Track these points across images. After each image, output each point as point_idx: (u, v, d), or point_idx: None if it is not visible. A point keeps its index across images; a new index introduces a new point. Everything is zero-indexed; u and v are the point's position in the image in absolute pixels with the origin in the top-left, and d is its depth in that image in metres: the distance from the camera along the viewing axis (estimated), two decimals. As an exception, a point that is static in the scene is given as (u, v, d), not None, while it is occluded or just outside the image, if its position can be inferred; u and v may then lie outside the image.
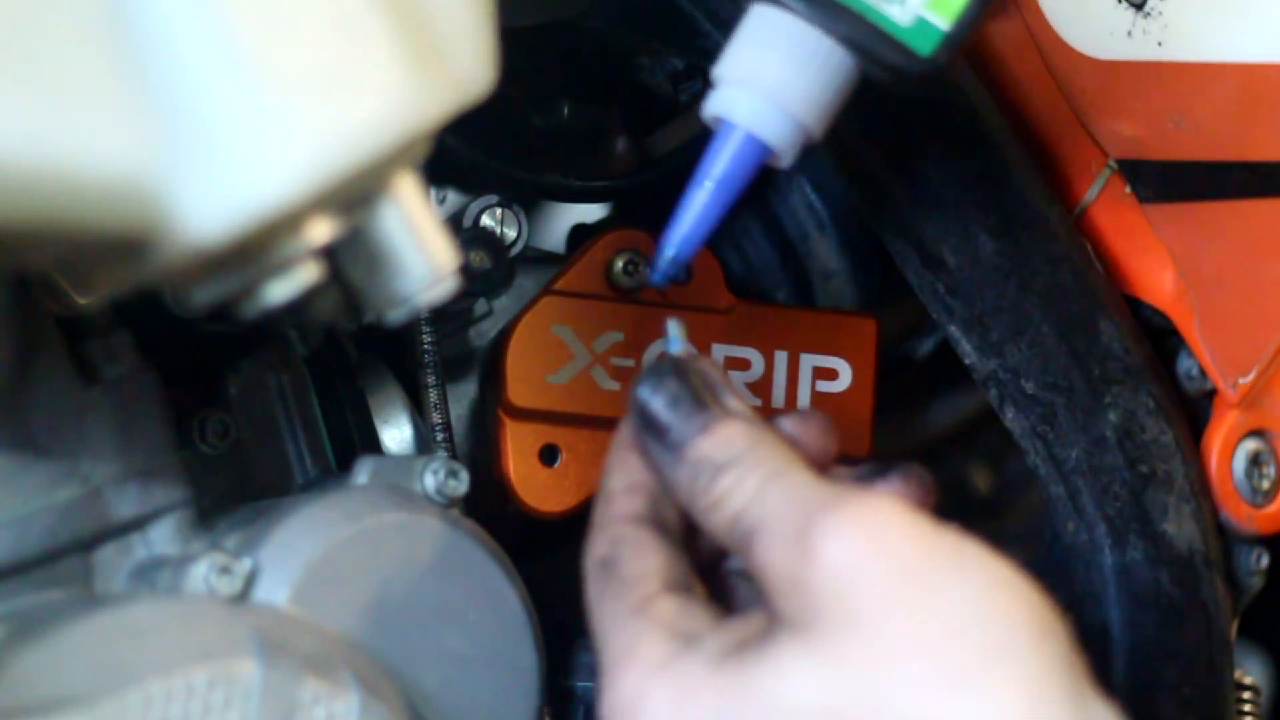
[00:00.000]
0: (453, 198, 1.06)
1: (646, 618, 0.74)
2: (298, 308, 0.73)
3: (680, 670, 0.72)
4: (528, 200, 1.04)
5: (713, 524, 0.75)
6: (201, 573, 0.82)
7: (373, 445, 0.98)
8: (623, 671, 0.73)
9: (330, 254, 0.73)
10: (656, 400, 0.77)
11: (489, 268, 1.00)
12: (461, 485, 0.89)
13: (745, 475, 0.74)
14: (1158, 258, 1.03)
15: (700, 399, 0.76)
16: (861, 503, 0.71)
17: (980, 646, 0.69)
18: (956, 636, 0.69)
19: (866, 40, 0.83)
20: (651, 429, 0.77)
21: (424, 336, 0.99)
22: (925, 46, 0.83)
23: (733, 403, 0.77)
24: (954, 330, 1.00)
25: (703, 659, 0.72)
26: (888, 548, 0.70)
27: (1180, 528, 1.02)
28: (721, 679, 0.71)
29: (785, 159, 0.85)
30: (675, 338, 0.80)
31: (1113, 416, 1.01)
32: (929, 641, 0.69)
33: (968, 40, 0.84)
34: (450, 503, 0.89)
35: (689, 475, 0.75)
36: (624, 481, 0.78)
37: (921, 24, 0.83)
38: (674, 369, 0.77)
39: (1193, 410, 1.06)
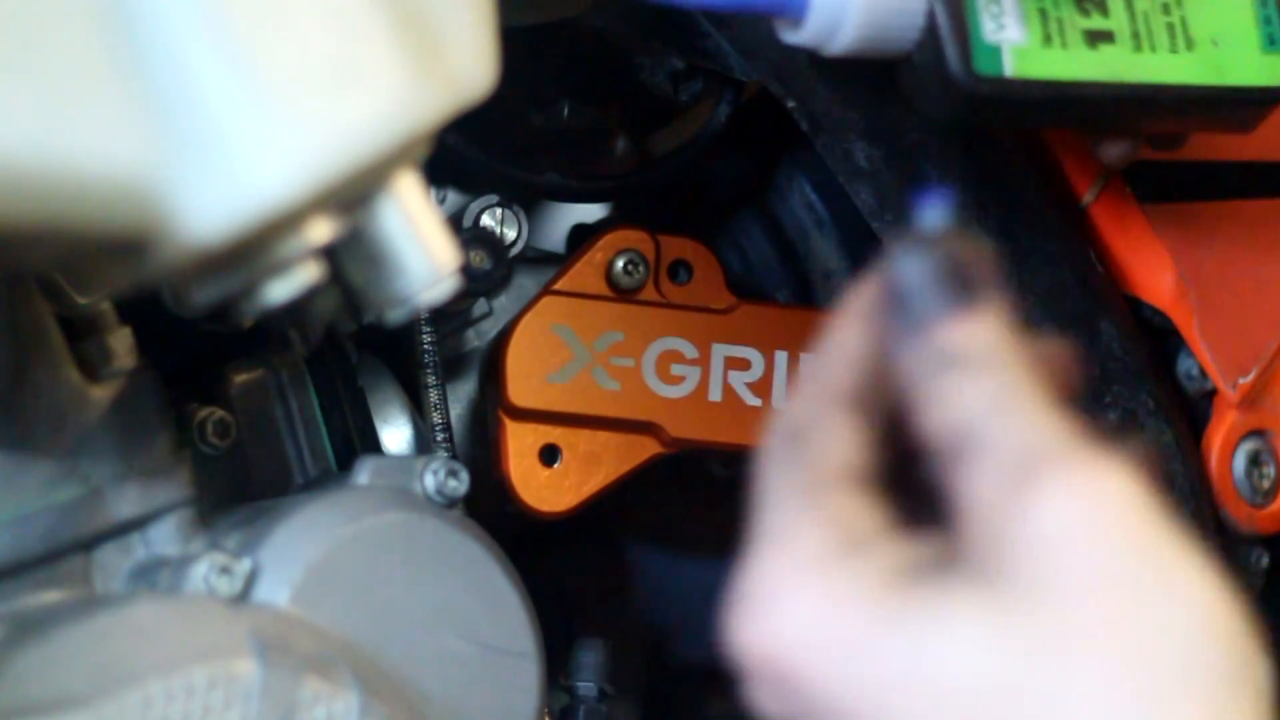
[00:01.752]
0: (453, 198, 1.06)
1: (818, 503, 0.65)
2: (298, 308, 0.73)
3: (836, 574, 0.63)
4: (528, 200, 1.04)
5: (929, 419, 0.65)
6: (201, 573, 0.82)
7: (373, 445, 0.98)
8: (772, 555, 0.64)
9: (330, 254, 0.73)
10: (913, 269, 0.67)
11: (489, 268, 1.00)
12: (461, 485, 0.89)
13: (983, 379, 0.64)
14: (1158, 258, 1.03)
15: (964, 282, 0.66)
16: (1096, 464, 0.63)
17: (1175, 664, 0.62)
18: (1153, 643, 0.62)
19: (947, 20, 0.83)
20: (899, 299, 0.67)
21: (424, 336, 0.99)
22: (980, 67, 0.83)
23: (994, 299, 0.66)
24: (954, 330, 1.00)
25: (866, 570, 0.63)
26: (1112, 525, 0.62)
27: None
28: (880, 600, 0.63)
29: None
30: (938, 210, 0.68)
31: (1113, 416, 1.01)
32: (1126, 640, 0.62)
33: (1007, 108, 0.85)
34: (450, 503, 0.89)
35: (923, 359, 0.66)
36: (843, 352, 0.68)
37: (993, 53, 0.83)
38: (942, 244, 0.67)
39: (1193, 410, 1.05)
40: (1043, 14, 0.86)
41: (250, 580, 0.83)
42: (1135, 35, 0.88)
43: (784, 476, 0.66)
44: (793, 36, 0.86)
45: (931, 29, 0.84)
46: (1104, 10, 0.88)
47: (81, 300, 0.82)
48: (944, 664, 0.61)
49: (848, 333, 0.69)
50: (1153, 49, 0.88)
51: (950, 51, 0.83)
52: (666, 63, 1.03)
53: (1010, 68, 0.84)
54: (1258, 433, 1.06)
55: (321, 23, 0.67)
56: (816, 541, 0.64)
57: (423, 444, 1.00)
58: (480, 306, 1.03)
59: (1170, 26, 0.89)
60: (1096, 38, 0.87)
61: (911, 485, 0.67)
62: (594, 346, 1.01)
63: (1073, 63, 0.86)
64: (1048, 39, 0.86)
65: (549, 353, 1.00)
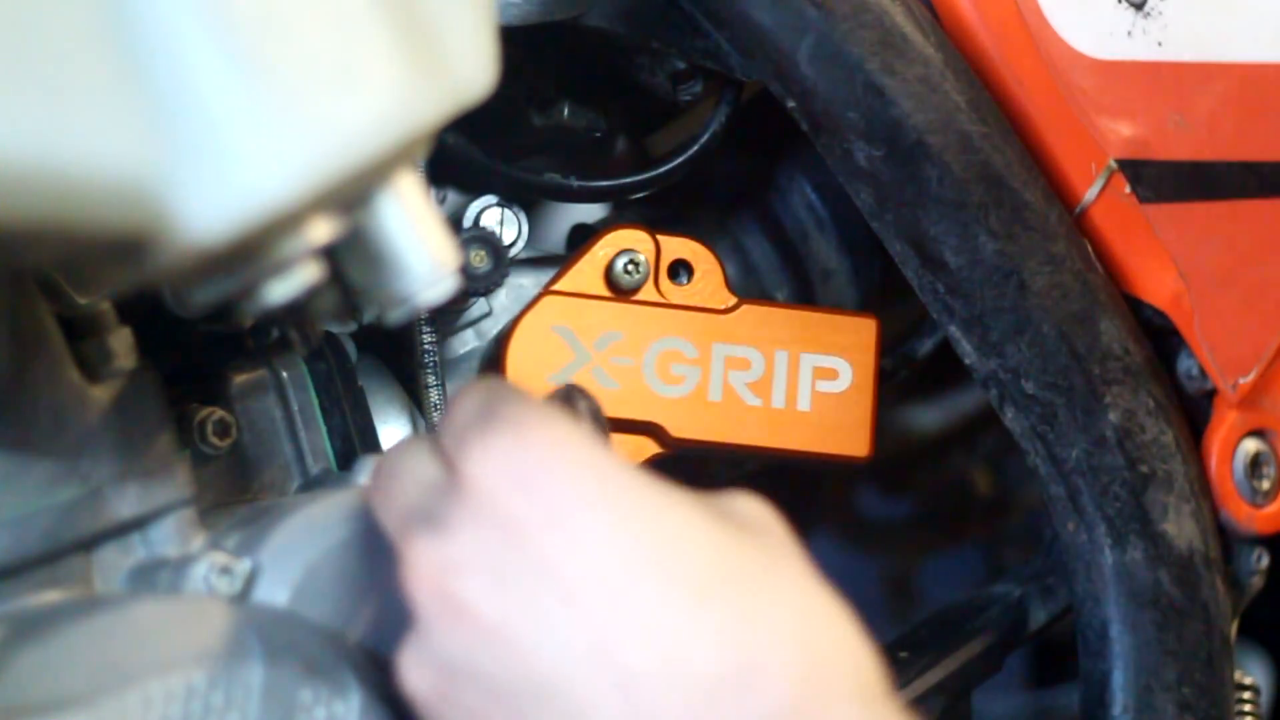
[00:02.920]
0: (453, 198, 1.06)
1: None
2: (298, 307, 0.73)
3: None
4: (528, 200, 1.04)
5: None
6: (201, 573, 0.81)
7: (373, 445, 0.98)
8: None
9: (330, 254, 0.73)
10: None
11: (489, 268, 1.00)
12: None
13: None
14: (1158, 258, 1.03)
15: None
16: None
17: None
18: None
19: None
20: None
21: (424, 336, 0.99)
22: None
23: None
24: (954, 330, 1.00)
25: None
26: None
27: (1180, 528, 1.02)
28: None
29: None
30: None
31: (1113, 416, 1.01)
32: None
33: None
34: (450, 503, 0.89)
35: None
36: None
37: None
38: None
39: (1193, 410, 1.05)
40: None
41: (250, 580, 0.83)
42: None
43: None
44: None
45: None
46: None
47: (81, 300, 0.82)
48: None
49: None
50: None
51: None
52: (666, 63, 1.03)
53: None
54: (1258, 433, 1.06)
55: (322, 24, 0.67)
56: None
57: (423, 444, 0.99)
58: (480, 306, 1.03)
59: None
60: None
61: None
62: (594, 346, 1.01)
63: None
64: None
65: (549, 353, 1.00)
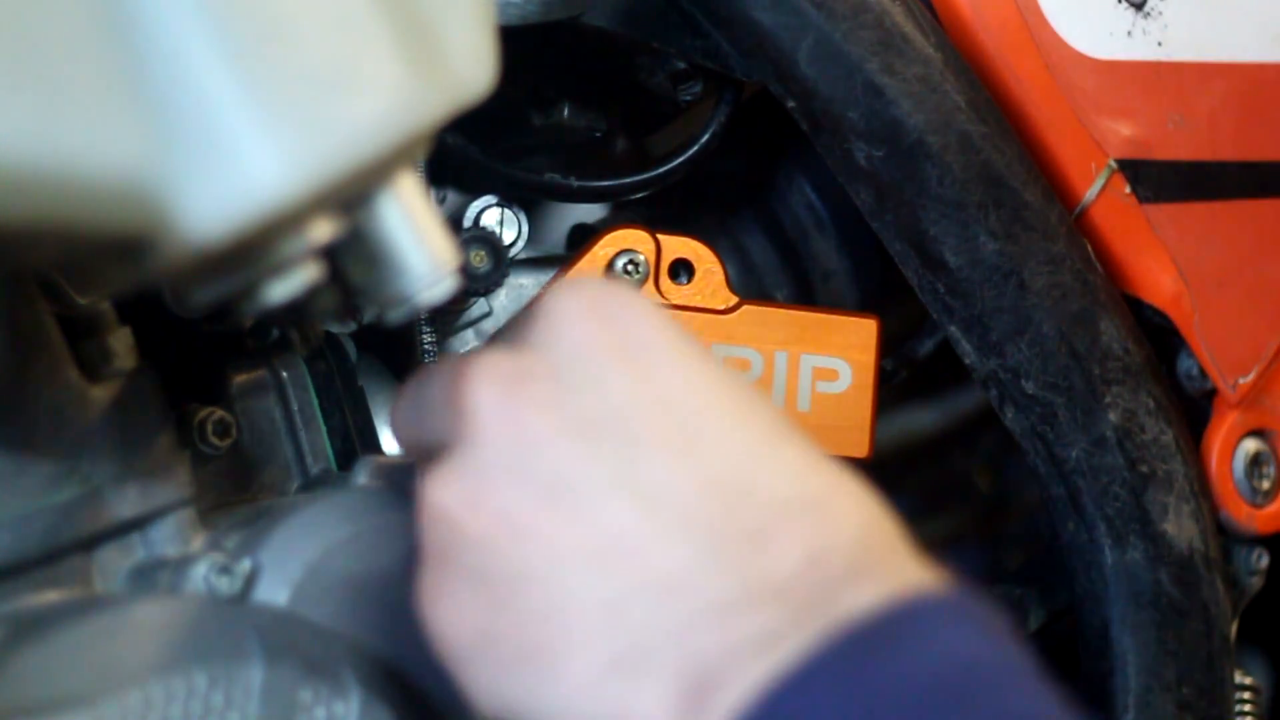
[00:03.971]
0: (453, 198, 1.06)
1: None
2: (297, 307, 0.73)
3: None
4: (528, 200, 1.04)
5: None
6: (201, 573, 0.81)
7: (373, 445, 0.98)
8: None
9: (330, 254, 0.73)
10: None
11: (489, 268, 1.00)
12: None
13: None
14: (1158, 258, 1.03)
15: None
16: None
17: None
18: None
19: None
20: None
21: (424, 336, 0.99)
22: None
23: None
24: (954, 330, 1.00)
25: None
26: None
27: (1180, 528, 1.02)
28: None
29: None
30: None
31: (1113, 416, 1.01)
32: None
33: None
34: (450, 503, 0.89)
35: None
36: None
37: None
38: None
39: (1193, 410, 1.06)
40: None
41: (250, 580, 0.83)
42: None
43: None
44: None
45: None
46: None
47: (81, 300, 0.82)
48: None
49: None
50: None
51: None
52: (666, 63, 1.03)
53: None
54: (1258, 433, 1.06)
55: (322, 23, 0.67)
56: None
57: (423, 444, 0.99)
58: (480, 306, 1.03)
59: None
60: None
61: None
62: (594, 346, 1.01)
63: None
64: None
65: (549, 353, 1.00)
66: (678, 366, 0.73)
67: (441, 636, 0.73)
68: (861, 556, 0.70)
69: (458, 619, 0.73)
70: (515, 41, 0.98)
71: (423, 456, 0.77)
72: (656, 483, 0.71)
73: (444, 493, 0.73)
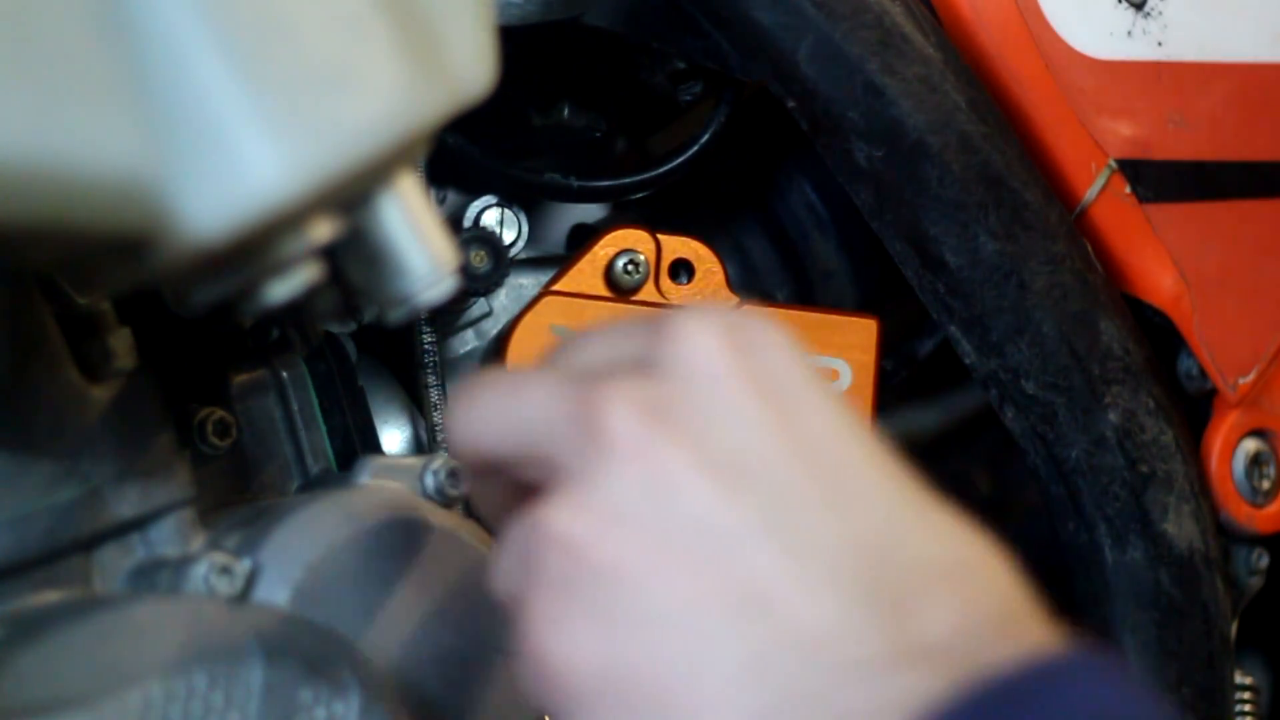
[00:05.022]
0: (453, 198, 1.06)
1: None
2: (298, 307, 0.73)
3: None
4: (528, 200, 1.04)
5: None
6: (201, 573, 0.81)
7: (373, 445, 0.98)
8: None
9: (330, 254, 0.73)
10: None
11: (489, 268, 1.00)
12: (461, 486, 0.89)
13: None
14: (1158, 258, 1.03)
15: None
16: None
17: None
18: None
19: None
20: None
21: (424, 336, 0.99)
22: None
23: None
24: (954, 330, 1.00)
25: None
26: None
27: (1180, 528, 1.02)
28: None
29: None
30: None
31: (1113, 416, 1.01)
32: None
33: None
34: (450, 503, 0.89)
35: None
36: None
37: None
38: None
39: (1193, 410, 1.06)
40: None
41: (250, 580, 0.83)
42: None
43: None
44: None
45: None
46: None
47: (81, 300, 0.82)
48: None
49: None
50: None
51: None
52: (666, 63, 1.03)
53: None
54: (1258, 433, 1.06)
55: (322, 23, 0.67)
56: None
57: (423, 444, 0.99)
58: (480, 306, 1.03)
59: None
60: None
61: None
62: (594, 346, 1.01)
63: None
64: None
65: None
66: (818, 409, 0.70)
67: (552, 669, 0.69)
68: (1006, 621, 0.68)
69: (576, 654, 0.68)
70: (515, 41, 0.99)
71: (491, 469, 0.74)
72: (804, 533, 0.67)
73: (570, 521, 0.69)
